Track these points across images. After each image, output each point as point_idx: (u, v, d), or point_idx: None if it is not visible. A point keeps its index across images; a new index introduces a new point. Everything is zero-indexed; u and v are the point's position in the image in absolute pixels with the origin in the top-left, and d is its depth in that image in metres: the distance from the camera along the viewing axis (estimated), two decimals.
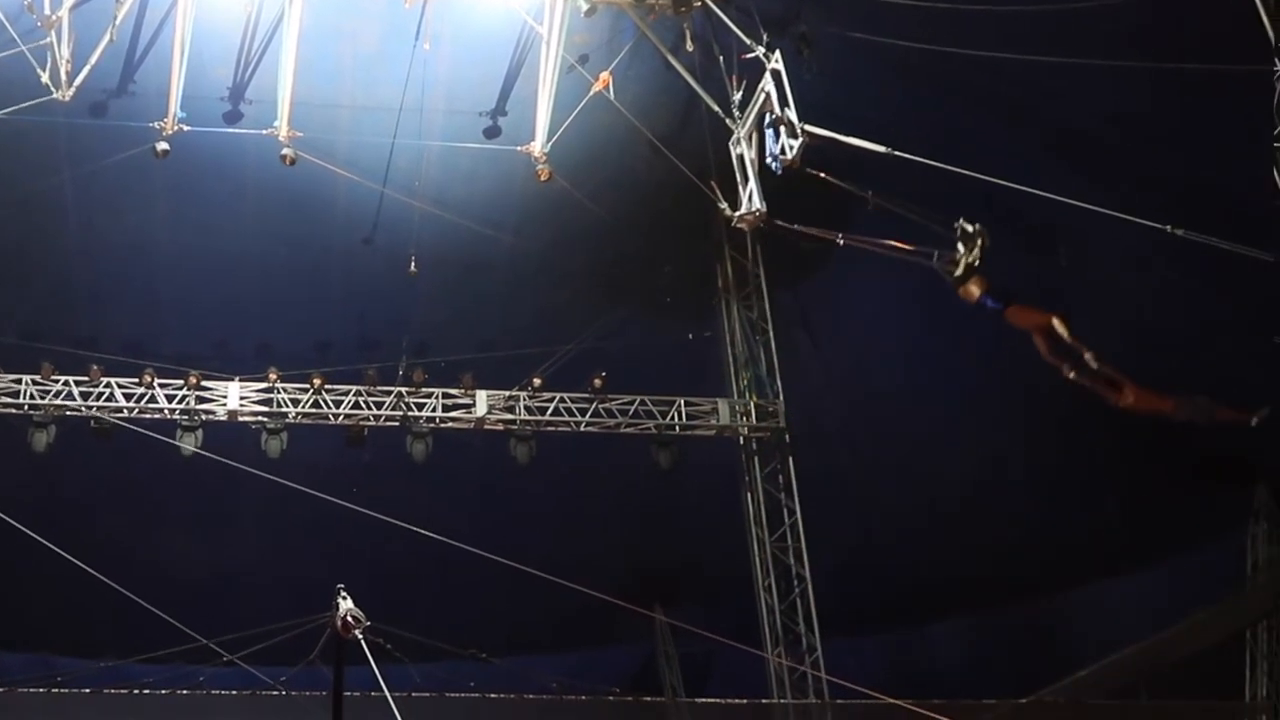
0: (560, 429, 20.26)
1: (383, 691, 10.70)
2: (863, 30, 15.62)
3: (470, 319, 20.80)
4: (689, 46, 16.88)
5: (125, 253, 19.50)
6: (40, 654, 21.40)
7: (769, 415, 20.52)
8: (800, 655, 19.38)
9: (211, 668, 16.98)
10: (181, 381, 19.55)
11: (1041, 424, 19.69)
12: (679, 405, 20.47)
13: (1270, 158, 11.03)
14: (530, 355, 20.43)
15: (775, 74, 15.08)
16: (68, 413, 19.29)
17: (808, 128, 14.47)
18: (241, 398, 19.66)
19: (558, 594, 13.91)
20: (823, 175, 14.33)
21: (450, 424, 20.06)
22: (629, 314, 21.09)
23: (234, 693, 18.01)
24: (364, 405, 19.92)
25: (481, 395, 20.06)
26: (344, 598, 9.91)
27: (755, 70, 15.56)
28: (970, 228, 13.29)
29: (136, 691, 18.20)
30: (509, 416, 20.15)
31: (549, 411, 20.20)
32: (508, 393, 20.18)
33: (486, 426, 20.11)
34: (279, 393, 19.73)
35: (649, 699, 21.17)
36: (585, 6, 16.26)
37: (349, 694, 10.67)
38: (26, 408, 19.20)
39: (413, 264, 18.65)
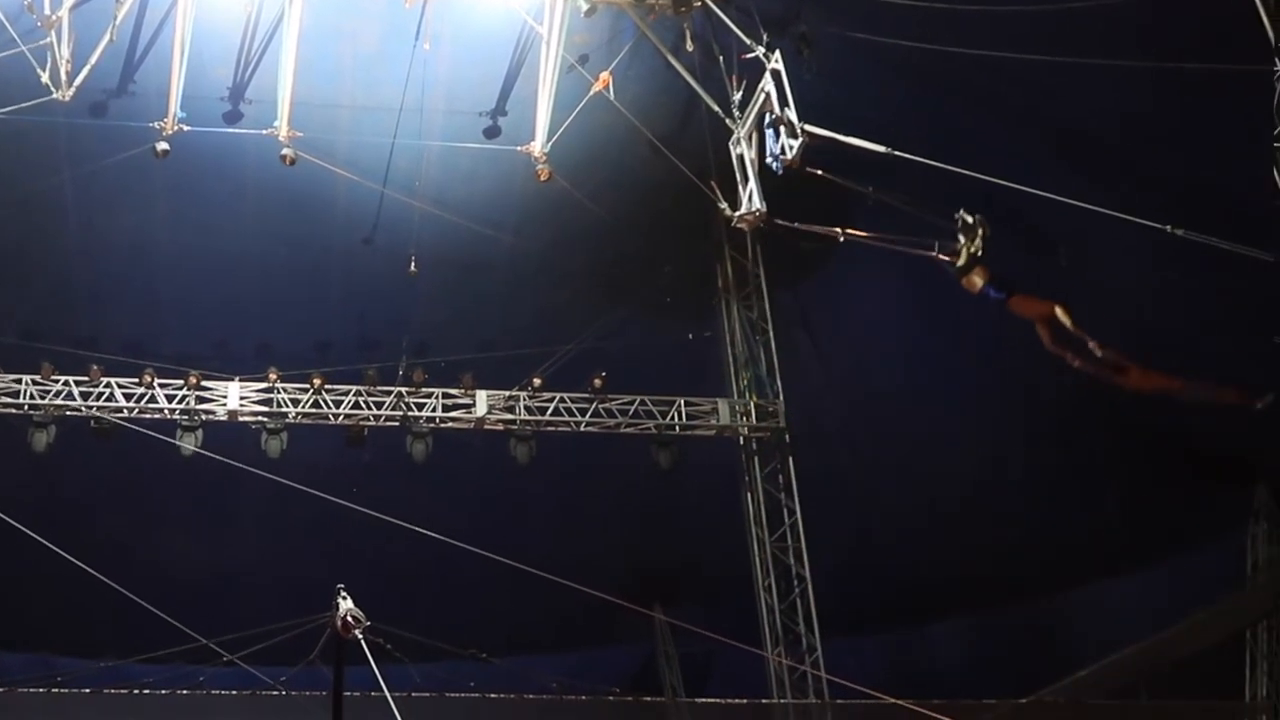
0: (560, 429, 20.27)
1: (383, 691, 10.71)
2: (863, 30, 15.62)
3: (470, 319, 20.80)
4: (689, 46, 16.88)
5: (125, 253, 19.50)
6: (40, 654, 21.38)
7: (769, 415, 20.53)
8: (800, 655, 19.38)
9: (211, 668, 16.97)
10: (181, 381, 19.56)
11: (1041, 424, 19.70)
12: (679, 405, 20.48)
13: (1270, 158, 11.03)
14: (530, 355, 20.43)
15: (775, 74, 15.09)
16: (68, 413, 19.29)
17: (808, 128, 14.48)
18: (241, 398, 19.66)
19: (558, 594, 13.92)
20: (822, 173, 14.32)
21: (450, 424, 20.06)
22: (629, 314, 21.09)
23: (234, 693, 18.01)
24: (364, 405, 19.92)
25: (481, 395, 20.07)
26: (344, 598, 9.92)
27: (755, 70, 15.57)
28: (970, 218, 13.31)
29: (136, 691, 18.20)
30: (509, 416, 20.15)
31: (549, 411, 20.20)
32: (508, 393, 20.18)
33: (486, 426, 20.11)
34: (279, 393, 19.73)
35: (649, 699, 21.17)
36: (585, 6, 16.26)
37: (349, 694, 10.68)
38: (26, 408, 19.21)
39: (413, 264, 18.66)
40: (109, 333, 20.06)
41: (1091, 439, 19.37)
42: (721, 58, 16.53)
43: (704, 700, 20.84)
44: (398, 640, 11.29)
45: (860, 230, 14.78)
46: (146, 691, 18.15)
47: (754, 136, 15.66)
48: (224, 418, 19.64)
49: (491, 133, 18.24)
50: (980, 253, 13.35)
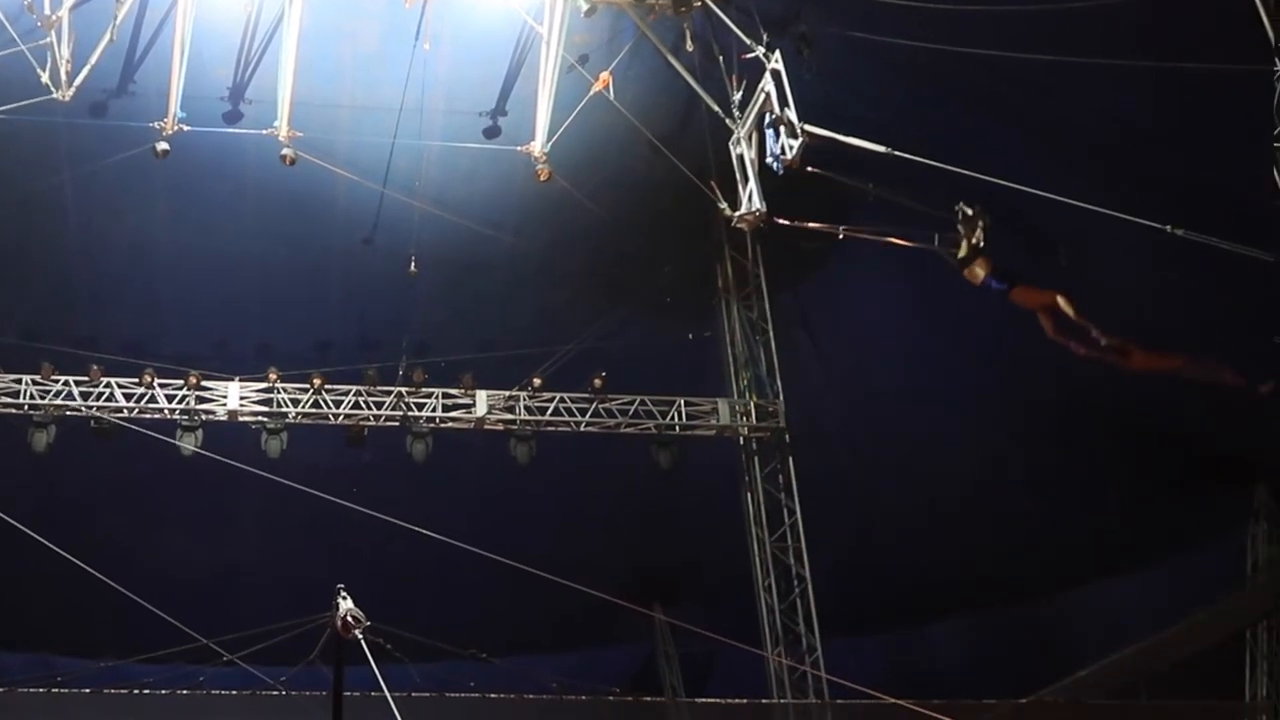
0: (560, 429, 20.26)
1: (383, 691, 10.71)
2: (863, 30, 15.61)
3: (470, 319, 20.80)
4: (689, 46, 16.88)
5: (125, 253, 19.50)
6: (40, 654, 21.40)
7: (769, 415, 20.52)
8: (800, 655, 19.38)
9: (211, 668, 16.98)
10: (181, 381, 19.56)
11: (1041, 424, 19.71)
12: (679, 405, 20.47)
13: (1270, 158, 11.03)
14: (530, 355, 20.43)
15: (775, 74, 15.09)
16: (68, 413, 19.28)
17: (808, 127, 14.48)
18: (241, 398, 19.66)
19: (558, 594, 13.93)
20: (823, 172, 14.33)
21: (450, 424, 20.06)
22: (629, 314, 21.08)
23: (234, 693, 18.02)
24: (364, 405, 19.92)
25: (481, 395, 20.06)
26: (344, 598, 9.93)
27: (755, 70, 15.57)
28: (970, 209, 13.32)
29: (136, 691, 18.21)
30: (509, 416, 20.15)
31: (549, 411, 20.20)
32: (508, 393, 20.18)
33: (486, 426, 20.11)
34: (279, 393, 19.73)
35: (649, 699, 21.18)
36: (585, 6, 16.26)
37: (349, 694, 10.68)
38: (26, 408, 19.20)
39: (413, 264, 18.65)
40: (109, 333, 20.06)
41: (1091, 439, 19.38)
42: (721, 58, 16.53)
43: (704, 700, 20.84)
44: (398, 640, 11.29)
45: (860, 228, 14.79)
46: (146, 691, 18.15)
47: (754, 136, 15.67)
48: (224, 418, 19.64)
49: (491, 133, 18.23)
50: (982, 244, 13.36)
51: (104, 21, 15.87)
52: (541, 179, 17.80)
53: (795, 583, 19.84)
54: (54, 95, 15.86)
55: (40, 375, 19.26)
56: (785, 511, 20.09)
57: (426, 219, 18.63)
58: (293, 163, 17.16)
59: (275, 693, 17.21)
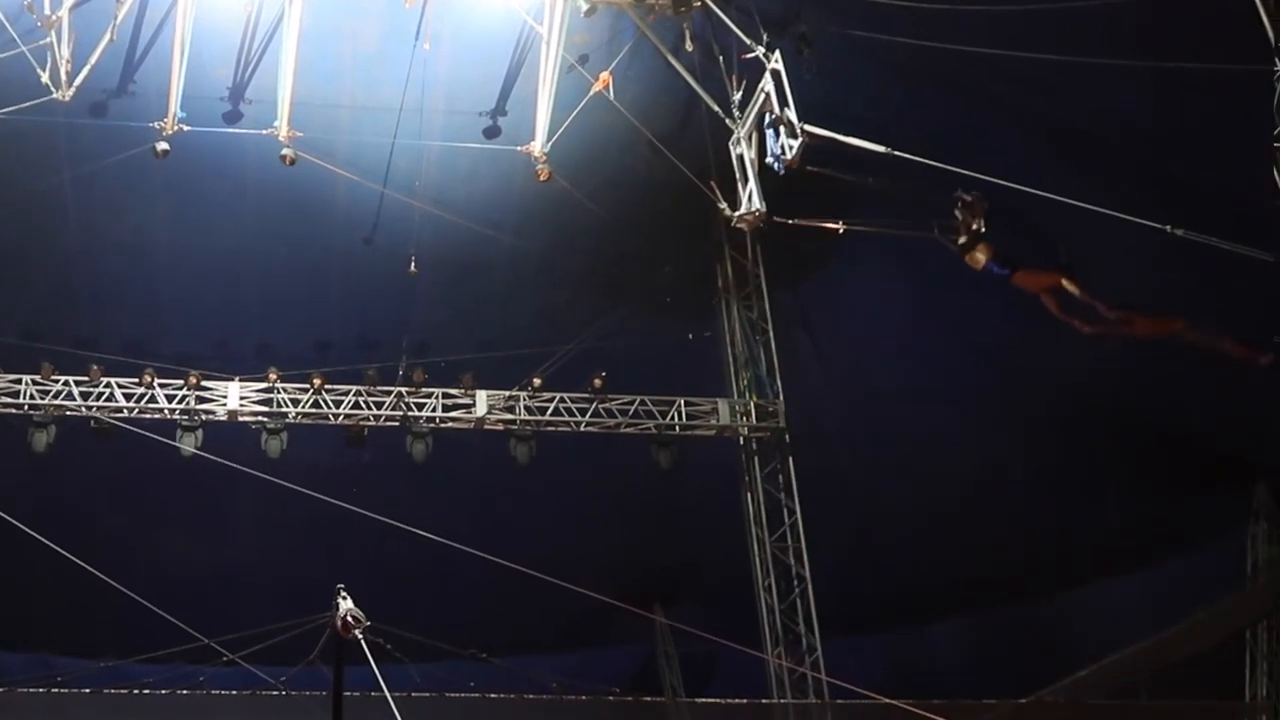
0: (560, 429, 20.26)
1: (383, 691, 10.71)
2: (862, 30, 15.61)
3: (470, 319, 20.80)
4: (689, 46, 16.88)
5: (125, 253, 19.49)
6: (40, 654, 21.40)
7: (769, 415, 20.52)
8: (800, 655, 19.38)
9: (211, 668, 16.97)
10: (181, 381, 19.56)
11: (1041, 424, 19.70)
12: (679, 405, 20.47)
13: (1270, 158, 11.02)
14: (530, 355, 20.43)
15: (775, 74, 15.09)
16: (68, 413, 19.28)
17: (808, 127, 14.48)
18: (241, 398, 19.66)
19: (558, 594, 13.92)
20: (822, 170, 14.33)
21: (450, 424, 20.06)
22: (629, 314, 21.08)
23: (234, 693, 18.03)
24: (364, 405, 19.92)
25: (481, 395, 20.06)
26: (344, 598, 9.93)
27: (755, 70, 15.57)
28: (969, 196, 13.30)
29: (136, 691, 18.21)
30: (509, 416, 20.15)
31: (549, 411, 20.20)
32: (508, 393, 20.18)
33: (486, 426, 20.11)
34: (279, 393, 19.73)
35: (649, 699, 21.18)
36: (585, 6, 16.26)
37: (349, 694, 10.69)
38: (26, 408, 19.20)
39: (413, 264, 18.65)
40: (109, 333, 20.06)
41: (1091, 439, 19.37)
42: (721, 58, 16.52)
43: (704, 700, 20.84)
44: (398, 640, 11.29)
45: (859, 231, 14.79)
46: (146, 691, 18.16)
47: (754, 136, 15.67)
48: (224, 418, 19.64)
49: (491, 133, 18.23)
50: (982, 230, 13.35)
51: (104, 21, 15.86)
52: (541, 179, 17.79)
53: (795, 583, 19.84)
54: (54, 95, 15.85)
55: (40, 375, 19.26)
56: (785, 511, 20.09)
57: (426, 219, 18.63)
58: (293, 163, 17.16)
59: (275, 693, 17.21)
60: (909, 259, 18.74)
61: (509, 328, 20.81)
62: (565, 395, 20.24)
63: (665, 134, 18.14)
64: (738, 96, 16.14)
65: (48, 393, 19.24)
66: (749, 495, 20.36)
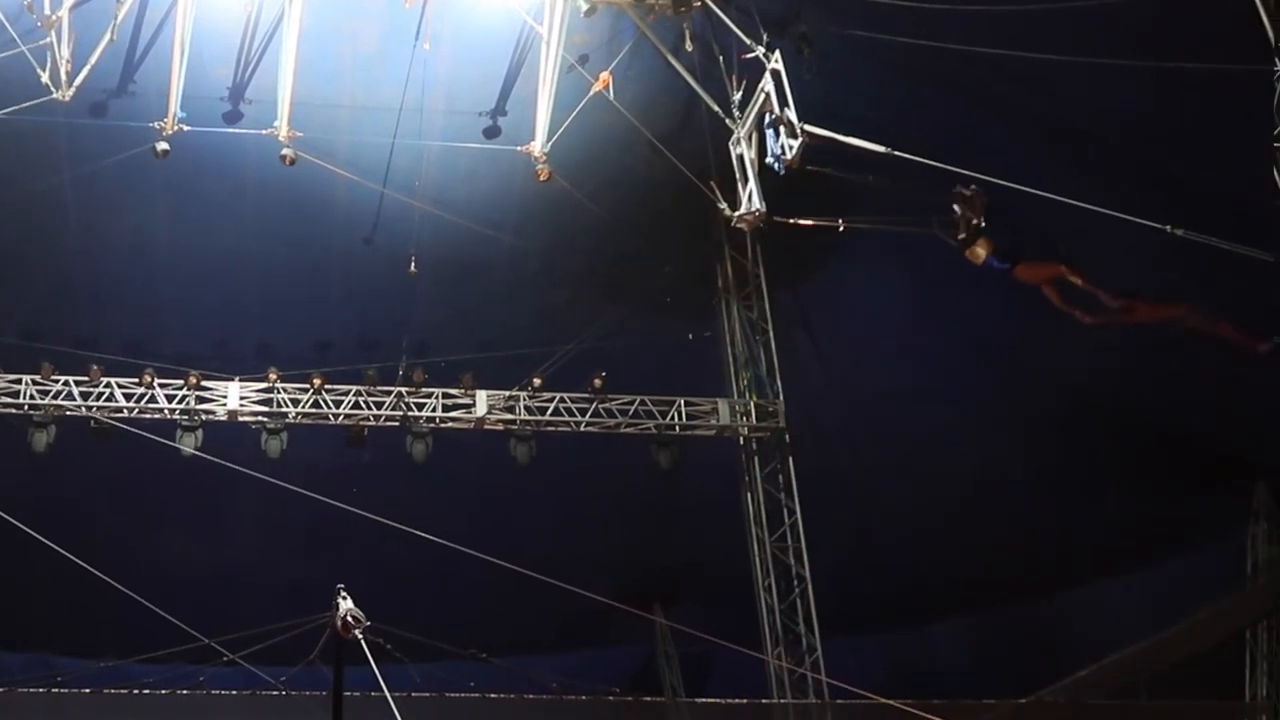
0: (560, 429, 20.26)
1: (383, 691, 10.71)
2: (862, 30, 15.61)
3: (470, 319, 20.80)
4: (689, 46, 16.87)
5: (125, 253, 19.49)
6: (40, 654, 21.41)
7: (769, 415, 20.51)
8: (800, 655, 19.38)
9: (211, 668, 16.96)
10: (181, 381, 19.55)
11: (1041, 424, 19.71)
12: (679, 405, 20.47)
13: (1270, 158, 11.02)
14: (530, 355, 20.42)
15: (775, 74, 15.08)
16: (68, 413, 19.27)
17: (808, 127, 14.47)
18: (241, 398, 19.65)
19: (558, 594, 13.93)
20: (822, 169, 14.33)
21: (450, 424, 20.05)
22: (629, 314, 21.08)
23: (234, 693, 18.03)
24: (364, 405, 19.91)
25: (481, 395, 20.06)
26: (344, 598, 9.93)
27: (755, 70, 15.56)
28: (967, 191, 13.30)
29: (136, 691, 18.21)
30: (509, 416, 20.15)
31: (549, 411, 20.19)
32: (508, 393, 20.17)
33: (486, 426, 20.10)
34: (279, 393, 19.72)
35: (649, 699, 21.18)
36: (585, 6, 16.25)
37: (349, 694, 10.69)
38: (26, 408, 19.19)
39: (413, 264, 18.65)
40: (109, 333, 20.05)
41: (1091, 439, 19.38)
42: (721, 58, 16.52)
43: (704, 700, 20.84)
44: (398, 640, 11.29)
45: (858, 231, 14.80)
46: (146, 691, 18.16)
47: (754, 136, 15.66)
48: (224, 418, 19.63)
49: (491, 133, 18.23)
50: (982, 224, 13.34)
51: (104, 21, 15.86)
52: (541, 179, 17.78)
53: (795, 583, 19.83)
54: (54, 95, 15.84)
55: (40, 375, 19.25)
56: (785, 511, 20.08)
57: (426, 219, 18.63)
58: (293, 163, 17.15)
59: (275, 693, 17.19)
60: (909, 259, 18.75)
61: (509, 328, 20.80)
62: (565, 395, 20.23)
63: (665, 134, 18.13)
64: (738, 96, 16.13)
65: (48, 393, 19.24)
66: (749, 495, 20.35)
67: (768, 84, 15.14)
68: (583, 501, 22.04)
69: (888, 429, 21.04)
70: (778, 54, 15.24)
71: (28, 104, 16.09)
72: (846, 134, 14.25)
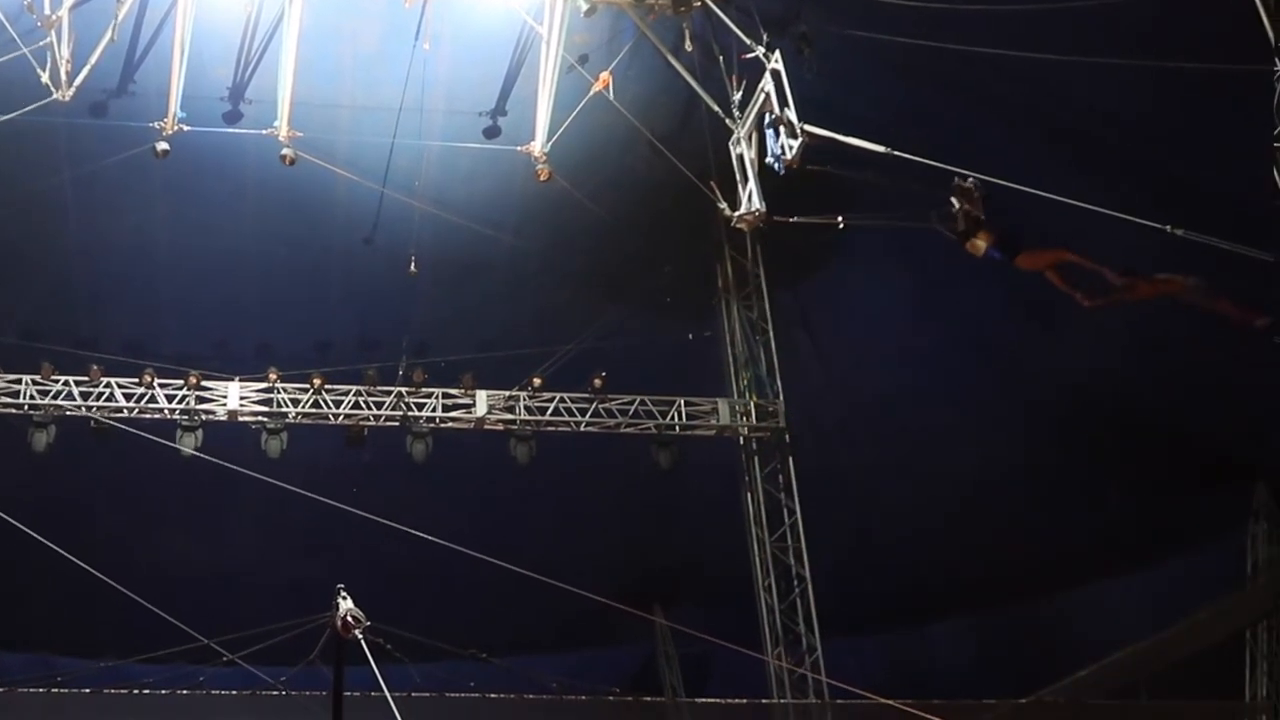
0: (560, 429, 20.26)
1: (383, 691, 10.70)
2: (863, 30, 15.61)
3: (470, 319, 20.80)
4: (689, 46, 16.89)
5: (125, 253, 19.49)
6: (40, 654, 21.40)
7: (769, 415, 20.51)
8: (800, 656, 19.37)
9: (211, 668, 16.96)
10: (181, 381, 19.55)
11: (1041, 424, 19.71)
12: (679, 405, 20.47)
13: (1270, 158, 11.02)
14: (530, 355, 20.42)
15: (775, 74, 15.09)
16: (68, 413, 19.27)
17: (808, 128, 14.48)
18: (241, 398, 19.66)
19: (558, 594, 13.91)
20: (822, 168, 14.33)
21: (450, 424, 20.05)
22: (629, 314, 21.08)
23: (234, 693, 18.02)
24: (364, 405, 19.92)
25: (481, 395, 20.06)
26: (344, 598, 9.93)
27: (755, 70, 15.57)
28: (966, 183, 13.28)
29: (136, 691, 18.21)
30: (509, 416, 20.15)
31: (549, 411, 20.19)
32: (508, 393, 20.17)
33: (486, 426, 20.11)
34: (279, 393, 19.72)
35: (649, 699, 21.18)
36: (585, 6, 16.26)
37: (349, 694, 10.68)
38: (26, 408, 19.19)
39: (413, 264, 18.66)
40: (109, 333, 20.06)
41: (1091, 439, 19.38)
42: (721, 58, 16.53)
43: (704, 700, 20.84)
44: (398, 640, 11.29)
45: (857, 231, 14.81)
46: (146, 691, 18.15)
47: (754, 136, 15.67)
48: (224, 418, 19.64)
49: (491, 133, 18.24)
50: (981, 216, 13.32)
51: (104, 21, 15.87)
52: (541, 179, 17.79)
53: (795, 583, 19.83)
54: (54, 95, 15.85)
55: (40, 375, 19.26)
56: (785, 511, 20.08)
57: (426, 219, 18.63)
58: (293, 163, 17.16)
59: (275, 693, 17.19)
60: (909, 259, 18.76)
61: (509, 328, 20.81)
62: (565, 395, 20.23)
63: (665, 134, 18.14)
64: (738, 96, 16.15)
65: (48, 393, 19.24)
66: (749, 495, 20.35)
67: (768, 84, 15.15)
68: (583, 501, 22.03)
69: (888, 429, 21.04)
70: (778, 54, 15.25)
71: (29, 107, 16.06)
72: (846, 134, 14.25)
